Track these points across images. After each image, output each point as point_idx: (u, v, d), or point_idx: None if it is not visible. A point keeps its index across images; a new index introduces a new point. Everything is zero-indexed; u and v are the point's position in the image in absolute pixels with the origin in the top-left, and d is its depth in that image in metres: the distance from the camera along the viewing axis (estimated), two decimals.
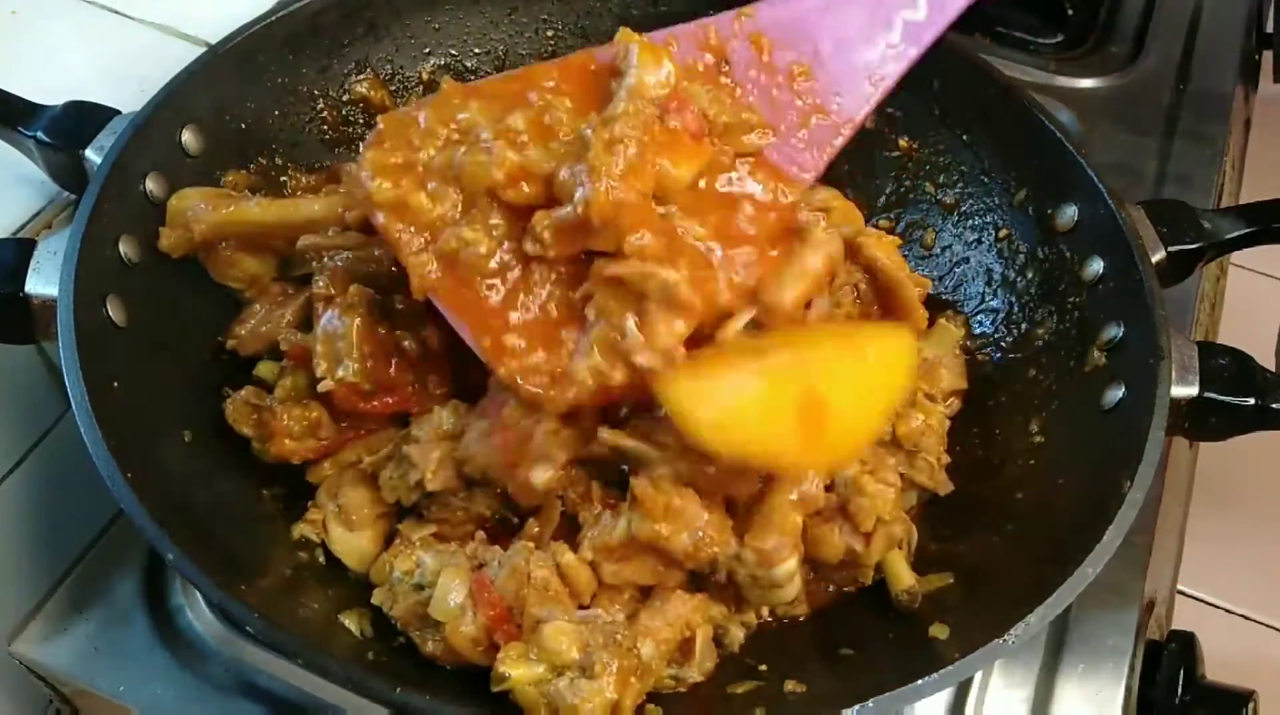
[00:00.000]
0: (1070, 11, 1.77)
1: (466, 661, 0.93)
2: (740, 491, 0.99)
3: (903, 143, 1.32)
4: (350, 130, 1.28)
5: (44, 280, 0.99)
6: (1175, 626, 1.20)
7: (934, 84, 1.29)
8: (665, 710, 0.93)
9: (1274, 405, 1.03)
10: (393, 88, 1.31)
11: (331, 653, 0.89)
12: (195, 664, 1.06)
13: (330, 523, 1.04)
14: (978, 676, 1.08)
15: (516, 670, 0.87)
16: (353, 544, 1.04)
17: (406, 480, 1.01)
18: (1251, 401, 1.04)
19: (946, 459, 1.12)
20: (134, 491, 0.88)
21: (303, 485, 1.08)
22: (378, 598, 0.98)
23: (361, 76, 1.28)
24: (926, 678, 0.87)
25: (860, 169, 1.33)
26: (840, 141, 1.11)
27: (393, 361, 1.04)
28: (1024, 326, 1.19)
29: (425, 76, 1.32)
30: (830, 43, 1.12)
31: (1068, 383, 1.12)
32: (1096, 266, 1.14)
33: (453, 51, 1.34)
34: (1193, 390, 1.04)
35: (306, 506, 1.06)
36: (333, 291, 1.04)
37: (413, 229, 0.97)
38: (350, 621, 0.96)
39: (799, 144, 1.09)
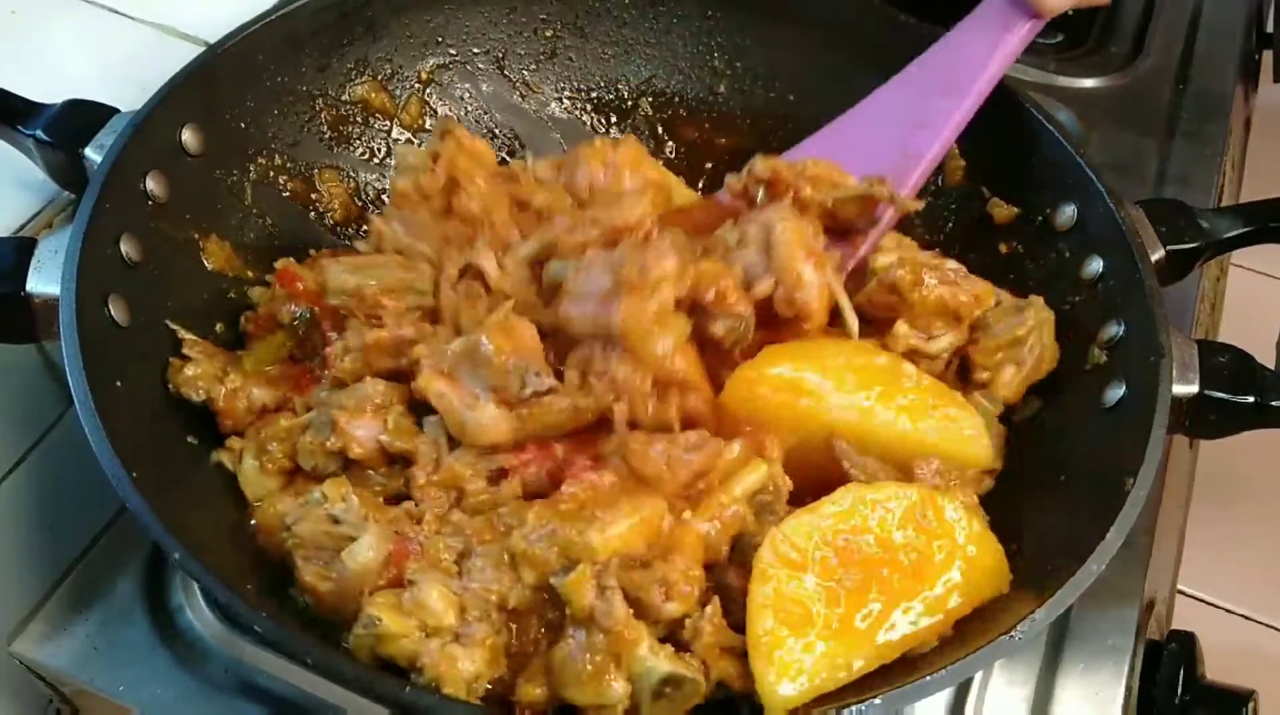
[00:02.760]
0: (1070, 11, 1.77)
1: (334, 605, 0.94)
2: None
3: None
4: (349, 130, 1.28)
5: (45, 279, 0.98)
6: (1175, 626, 1.20)
7: None
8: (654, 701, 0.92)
9: (1273, 402, 1.04)
10: (392, 88, 1.31)
11: (340, 653, 0.89)
12: (195, 664, 1.05)
13: (246, 456, 1.05)
14: (978, 676, 1.08)
15: (386, 616, 0.88)
16: (260, 481, 1.04)
17: (325, 446, 1.01)
18: (1251, 399, 1.04)
19: None
20: (140, 492, 0.88)
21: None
22: (283, 506, 0.99)
23: (361, 78, 1.28)
24: (933, 675, 0.87)
25: None
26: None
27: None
28: None
29: (424, 76, 1.33)
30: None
31: (1068, 381, 1.12)
32: (1096, 266, 1.14)
33: (451, 51, 1.34)
34: (1193, 388, 1.04)
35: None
36: None
37: None
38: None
39: None
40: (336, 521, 0.95)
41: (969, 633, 0.92)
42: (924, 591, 0.93)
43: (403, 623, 0.88)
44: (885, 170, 1.15)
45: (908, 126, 1.19)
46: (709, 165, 1.38)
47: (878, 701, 0.85)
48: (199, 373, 1.05)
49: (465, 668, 0.87)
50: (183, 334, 1.07)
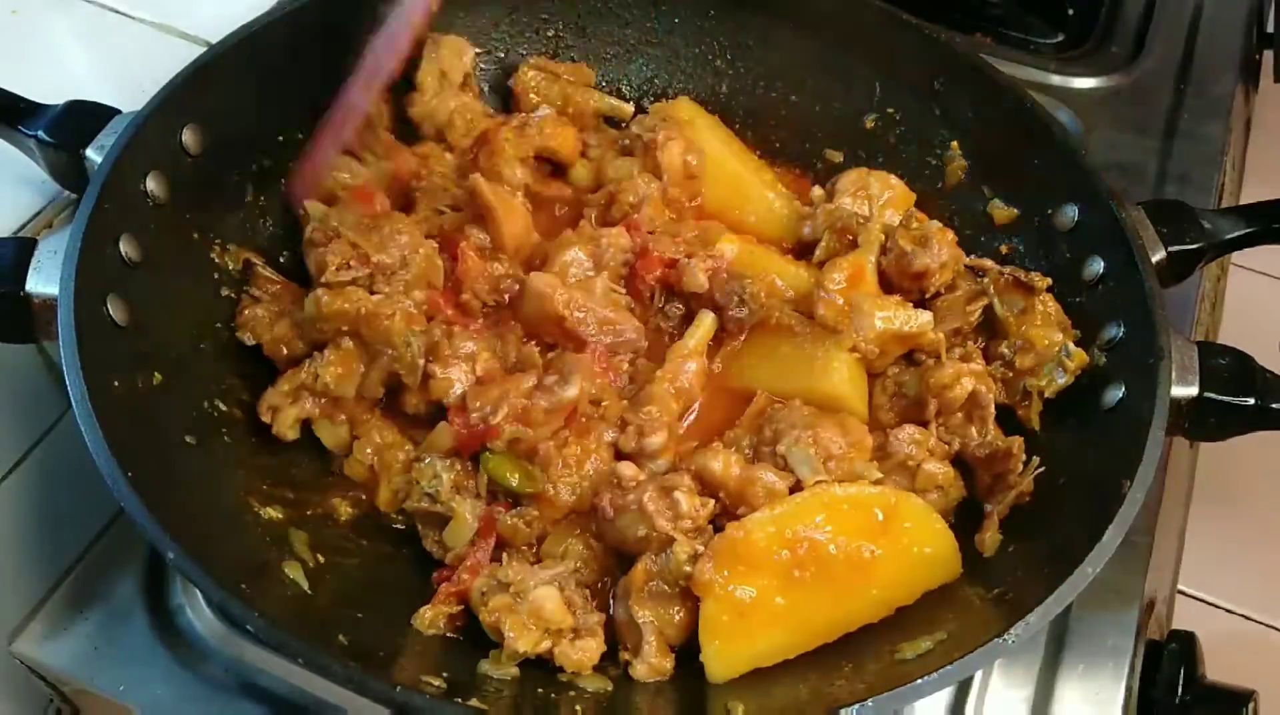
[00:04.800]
0: (1070, 11, 1.77)
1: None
2: None
3: (903, 144, 1.32)
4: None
5: (45, 279, 0.99)
6: (1175, 626, 1.20)
7: (934, 84, 1.29)
8: (649, 705, 0.96)
9: (1274, 405, 1.04)
10: (394, 88, 1.30)
11: (332, 652, 0.89)
12: (195, 664, 1.06)
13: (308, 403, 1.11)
14: (978, 677, 1.08)
15: (527, 645, 0.96)
16: (334, 431, 1.13)
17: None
18: (1251, 401, 1.04)
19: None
20: (135, 491, 0.88)
21: (300, 485, 1.09)
22: (395, 484, 1.10)
23: None
24: (926, 678, 0.87)
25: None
26: None
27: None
28: None
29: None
30: None
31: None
32: (1097, 266, 1.14)
33: None
34: (1193, 390, 1.04)
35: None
36: None
37: None
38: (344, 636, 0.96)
39: None
40: (433, 499, 1.06)
41: (964, 635, 0.92)
42: (875, 587, 0.99)
43: (534, 638, 0.97)
44: None
45: None
46: None
47: (870, 704, 0.85)
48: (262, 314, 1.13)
49: (594, 655, 0.98)
50: (261, 269, 1.15)
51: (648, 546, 1.01)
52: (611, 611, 1.03)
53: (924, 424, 1.11)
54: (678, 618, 0.99)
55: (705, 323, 1.17)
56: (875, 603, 0.99)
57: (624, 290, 1.19)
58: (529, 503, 1.06)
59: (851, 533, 0.99)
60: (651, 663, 0.98)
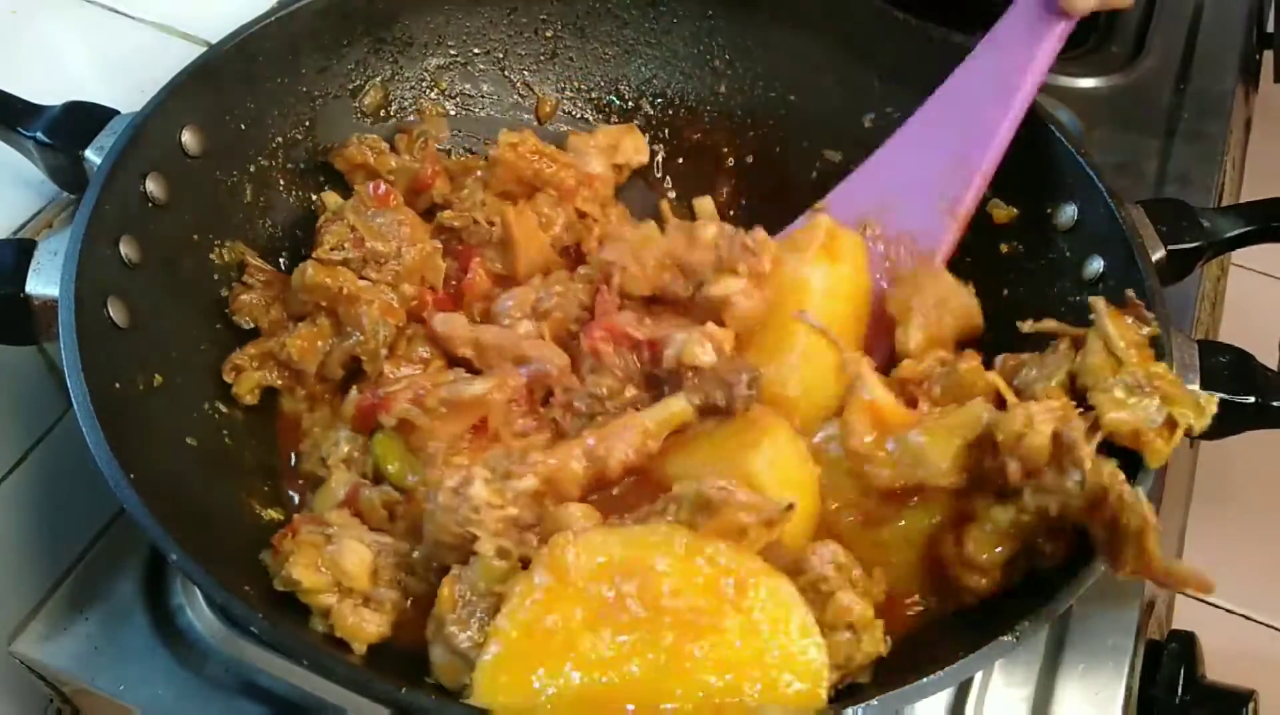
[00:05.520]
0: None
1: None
2: None
3: None
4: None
5: (45, 281, 0.99)
6: (1175, 626, 1.20)
7: (934, 84, 1.29)
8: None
9: (1274, 403, 1.04)
10: (391, 88, 1.31)
11: (335, 652, 0.89)
12: (195, 664, 1.06)
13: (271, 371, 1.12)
14: (978, 676, 1.08)
15: (307, 580, 0.92)
16: (292, 405, 1.14)
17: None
18: (1251, 399, 1.04)
19: None
20: (137, 492, 0.88)
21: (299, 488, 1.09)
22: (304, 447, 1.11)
23: (361, 79, 1.28)
24: (927, 677, 0.86)
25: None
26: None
27: None
28: None
29: (425, 77, 1.32)
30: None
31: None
32: (1096, 265, 1.14)
33: (452, 51, 1.34)
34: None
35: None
36: None
37: None
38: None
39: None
40: (324, 464, 1.06)
41: (966, 634, 0.92)
42: (706, 674, 0.80)
43: (319, 580, 0.92)
44: (940, 188, 1.18)
45: (956, 142, 1.19)
46: (711, 164, 1.39)
47: (875, 703, 0.85)
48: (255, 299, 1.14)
49: (371, 630, 0.92)
50: (251, 259, 1.15)
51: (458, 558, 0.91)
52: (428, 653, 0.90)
53: (1012, 495, 0.92)
54: None
55: (674, 407, 1.02)
56: (702, 689, 0.80)
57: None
58: (401, 496, 1.02)
59: (694, 592, 0.82)
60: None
